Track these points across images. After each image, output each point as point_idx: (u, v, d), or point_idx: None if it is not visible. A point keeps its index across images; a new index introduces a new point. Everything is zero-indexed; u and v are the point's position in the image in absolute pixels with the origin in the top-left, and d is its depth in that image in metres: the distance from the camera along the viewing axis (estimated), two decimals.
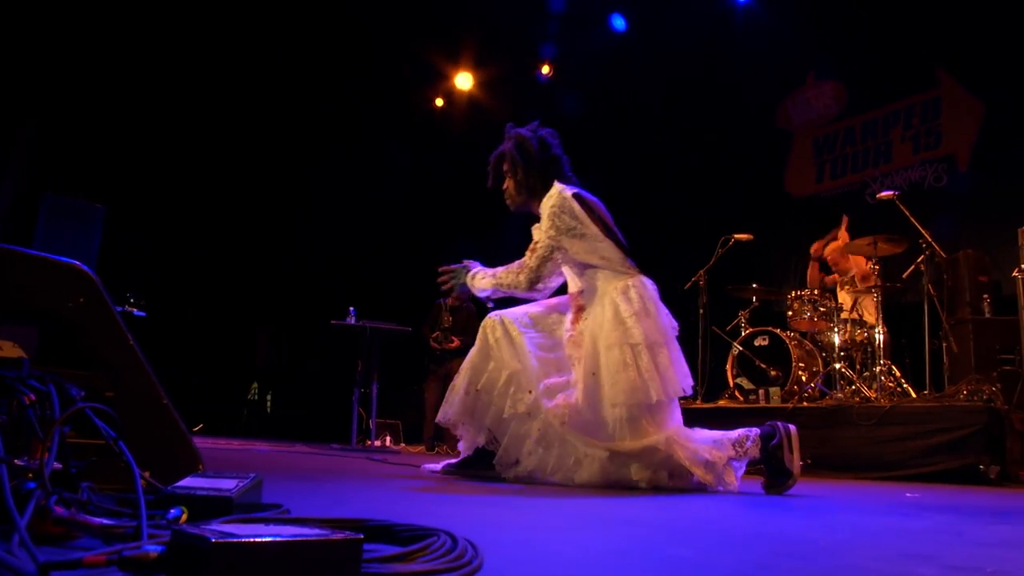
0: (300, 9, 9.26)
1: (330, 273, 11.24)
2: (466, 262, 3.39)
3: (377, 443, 7.59)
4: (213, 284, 11.37)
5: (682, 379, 2.97)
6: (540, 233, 3.14)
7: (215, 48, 9.28)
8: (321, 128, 10.74)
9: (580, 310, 3.14)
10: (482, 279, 3.29)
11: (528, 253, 3.17)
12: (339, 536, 0.80)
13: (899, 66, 8.25)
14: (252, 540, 0.73)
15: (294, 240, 11.44)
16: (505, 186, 3.33)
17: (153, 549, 0.76)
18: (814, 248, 6.98)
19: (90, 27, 8.36)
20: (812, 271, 6.96)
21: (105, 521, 1.01)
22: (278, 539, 0.75)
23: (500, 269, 3.25)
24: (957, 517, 2.35)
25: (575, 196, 3.10)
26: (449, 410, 3.23)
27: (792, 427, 2.92)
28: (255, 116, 10.29)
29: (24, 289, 1.40)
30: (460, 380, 3.23)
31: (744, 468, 3.00)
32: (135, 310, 7.03)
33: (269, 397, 12.54)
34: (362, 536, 0.82)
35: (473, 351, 3.24)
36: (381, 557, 0.92)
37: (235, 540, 0.72)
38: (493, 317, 3.24)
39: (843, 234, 6.76)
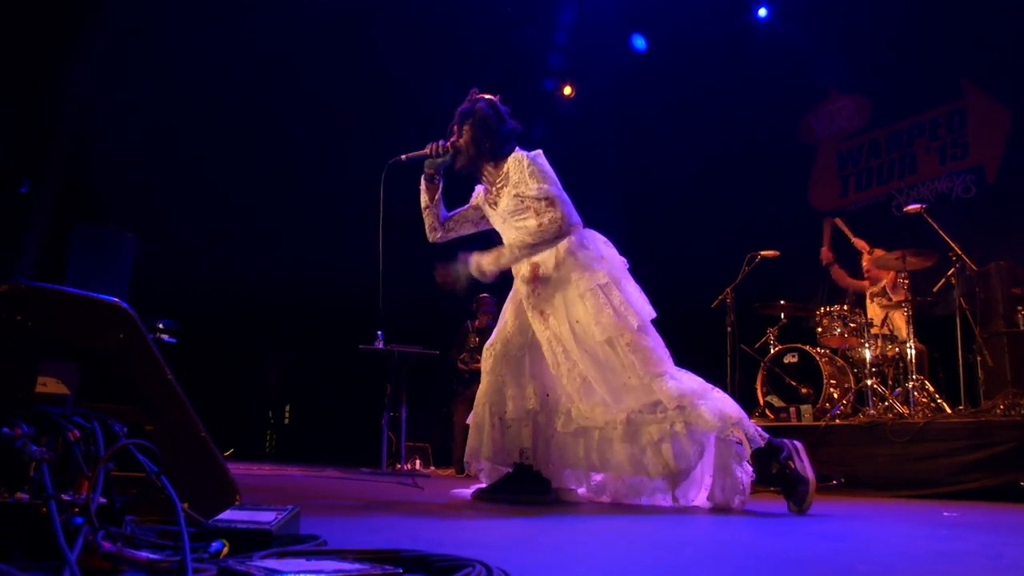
0: (318, 37, 9.38)
1: (357, 297, 11.29)
2: (463, 256, 3.35)
3: (407, 467, 7.59)
4: (236, 308, 11.44)
5: (646, 305, 3.13)
6: (531, 188, 3.12)
7: (235, 81, 9.40)
8: (344, 144, 10.82)
9: (537, 267, 3.17)
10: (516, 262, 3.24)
11: (543, 207, 3.09)
12: (379, 571, 0.81)
13: (922, 77, 8.16)
14: None
15: (320, 264, 11.50)
16: (454, 139, 3.34)
17: None
18: (823, 257, 6.88)
19: (117, 51, 8.47)
20: (836, 274, 6.84)
21: (150, 555, 1.03)
22: (320, 575, 0.77)
23: (524, 244, 3.15)
24: (999, 538, 2.31)
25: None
26: (480, 449, 3.33)
27: (797, 441, 2.98)
28: (275, 139, 10.38)
29: (67, 328, 1.43)
30: (482, 417, 3.31)
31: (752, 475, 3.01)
32: (165, 336, 7.12)
33: (287, 418, 12.61)
34: (401, 571, 0.83)
35: (484, 385, 3.32)
36: None
37: None
38: (489, 347, 3.33)
39: (859, 243, 6.67)
